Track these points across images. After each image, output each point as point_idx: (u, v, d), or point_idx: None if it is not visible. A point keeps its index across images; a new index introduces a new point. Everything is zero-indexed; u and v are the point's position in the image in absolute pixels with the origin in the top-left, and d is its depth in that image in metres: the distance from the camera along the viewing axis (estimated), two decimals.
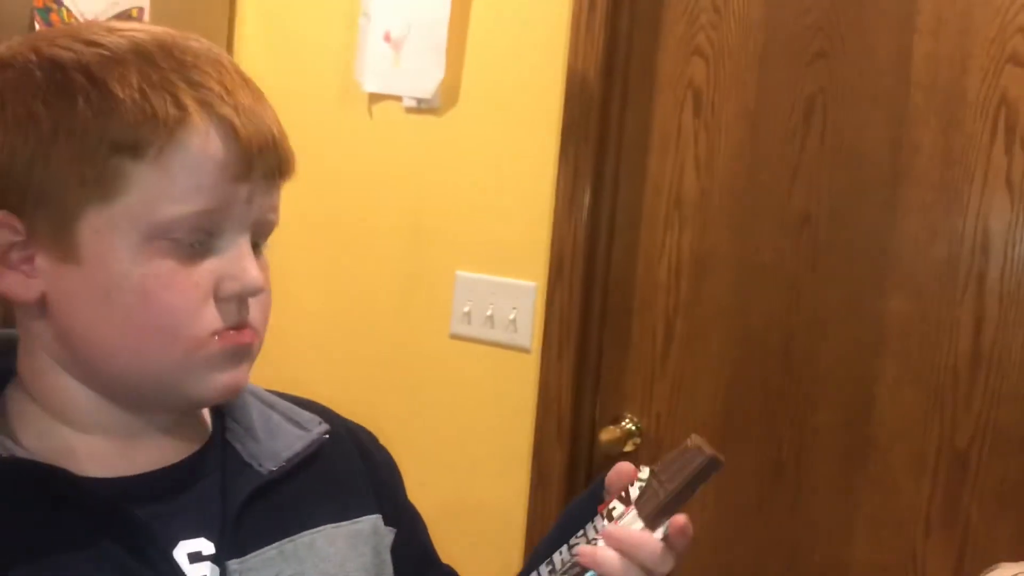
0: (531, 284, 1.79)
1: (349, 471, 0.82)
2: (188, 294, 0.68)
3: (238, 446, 0.77)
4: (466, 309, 1.86)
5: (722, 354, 1.67)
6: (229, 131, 0.67)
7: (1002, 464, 1.46)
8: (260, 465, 0.76)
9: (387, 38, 1.88)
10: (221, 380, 0.70)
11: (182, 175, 0.66)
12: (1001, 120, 1.44)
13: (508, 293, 1.82)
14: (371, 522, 0.81)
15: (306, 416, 0.82)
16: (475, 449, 1.85)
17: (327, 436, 0.80)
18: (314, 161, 1.69)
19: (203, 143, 0.66)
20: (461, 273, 1.87)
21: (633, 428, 1.75)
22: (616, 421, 1.75)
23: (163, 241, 0.67)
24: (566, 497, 1.76)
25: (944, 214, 1.49)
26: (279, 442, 0.78)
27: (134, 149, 0.65)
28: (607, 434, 1.72)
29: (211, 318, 0.68)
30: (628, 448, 1.74)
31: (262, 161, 0.69)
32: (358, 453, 0.85)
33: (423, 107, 1.88)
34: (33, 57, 0.67)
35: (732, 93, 1.65)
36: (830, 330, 1.58)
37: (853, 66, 1.55)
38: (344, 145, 1.94)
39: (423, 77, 1.85)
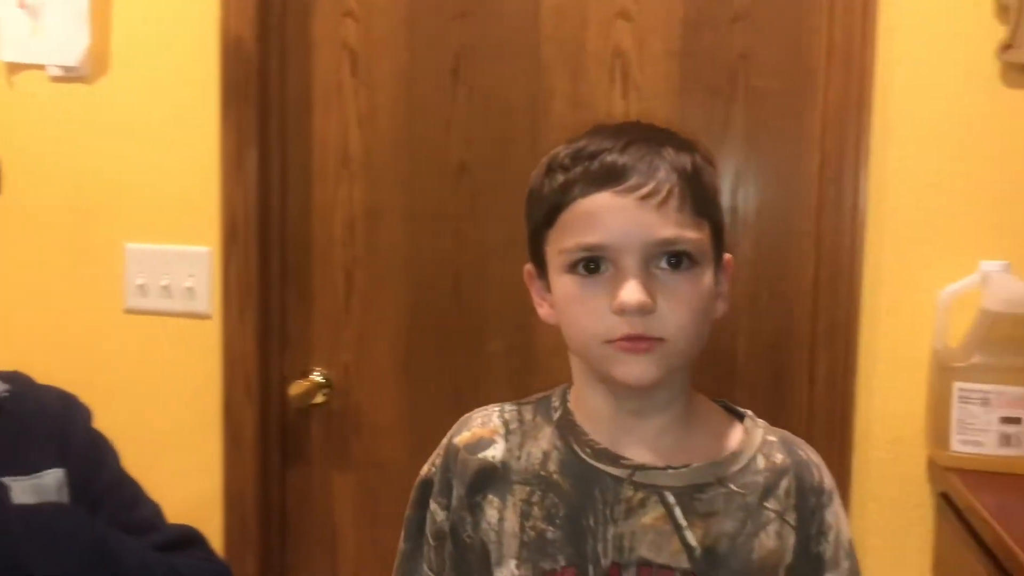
0: (205, 250, 1.79)
1: (32, 427, 0.83)
2: None
3: None
4: (139, 282, 1.83)
5: (400, 300, 1.77)
6: None
7: None
8: None
9: (21, 4, 1.78)
10: None
11: None
12: (617, 69, 1.64)
13: (182, 261, 1.80)
14: (54, 476, 0.82)
15: None
16: (164, 421, 1.83)
17: (7, 395, 0.80)
18: None
19: None
20: (131, 245, 1.83)
21: (322, 380, 1.81)
22: (305, 375, 1.81)
23: None
24: (261, 454, 1.80)
25: None
26: None
27: None
28: (296, 388, 1.77)
29: None
30: (319, 400, 1.81)
31: None
32: (52, 413, 0.85)
33: (71, 75, 1.81)
34: None
35: (385, 51, 1.74)
36: (492, 267, 1.72)
37: (491, 24, 1.69)
38: None
39: (67, 44, 1.78)
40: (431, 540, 0.93)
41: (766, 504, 0.86)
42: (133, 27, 1.79)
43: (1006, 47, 1.46)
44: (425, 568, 0.94)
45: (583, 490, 0.85)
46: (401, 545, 0.98)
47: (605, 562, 0.82)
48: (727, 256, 0.91)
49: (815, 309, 1.56)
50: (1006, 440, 1.38)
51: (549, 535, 0.84)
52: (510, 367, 1.73)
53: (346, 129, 1.76)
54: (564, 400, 0.92)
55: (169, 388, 1.83)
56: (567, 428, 0.89)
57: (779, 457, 0.89)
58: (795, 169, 1.59)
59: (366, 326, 1.79)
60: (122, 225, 1.83)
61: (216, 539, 1.80)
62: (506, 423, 0.92)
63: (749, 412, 0.94)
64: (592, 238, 0.81)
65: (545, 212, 0.85)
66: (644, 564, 0.82)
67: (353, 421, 1.81)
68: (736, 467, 0.86)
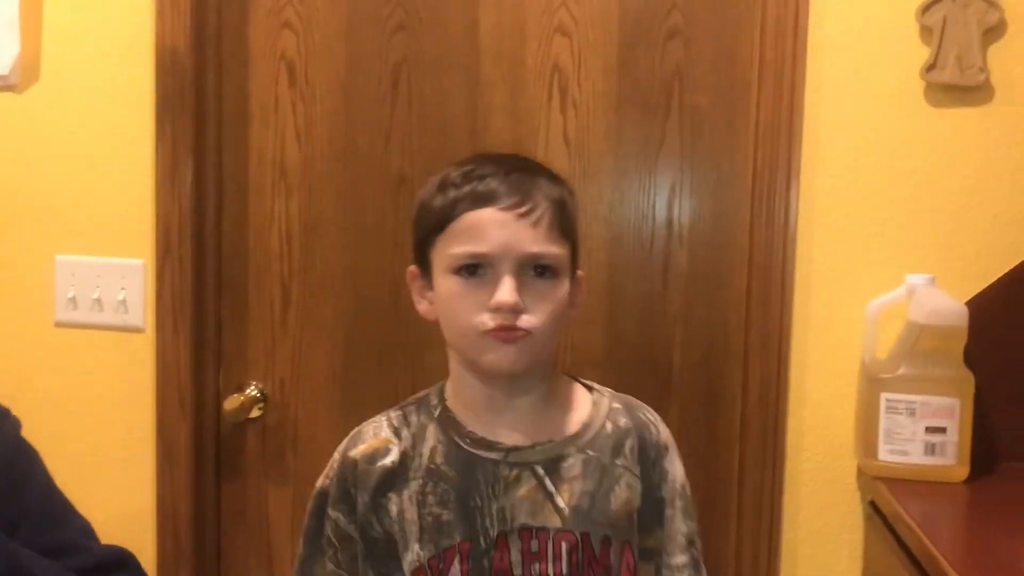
0: (138, 262, 1.76)
1: None
2: None
3: None
4: (70, 295, 1.79)
5: (337, 313, 1.76)
6: None
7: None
8: None
9: None
10: None
11: None
12: (555, 83, 1.66)
13: (115, 273, 1.78)
14: None
15: None
16: (96, 437, 1.80)
17: None
18: None
19: None
20: (61, 258, 1.79)
21: (258, 394, 1.79)
22: (241, 389, 1.79)
23: None
24: (195, 469, 1.77)
25: None
26: None
27: None
28: (231, 403, 1.75)
29: None
30: (254, 414, 1.79)
31: None
32: None
33: (0, 84, 1.77)
34: None
35: (324, 63, 1.73)
36: None
37: (431, 37, 1.70)
38: None
39: None
40: (336, 542, 1.05)
41: (616, 462, 1.04)
42: (64, 36, 1.77)
43: (930, 67, 1.51)
44: (331, 566, 1.05)
45: (468, 475, 1.01)
46: (300, 551, 1.08)
47: (493, 532, 0.99)
48: (580, 273, 1.08)
49: (747, 321, 1.59)
50: (931, 449, 1.42)
51: (444, 517, 1.00)
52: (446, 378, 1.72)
53: (284, 141, 1.75)
54: (441, 397, 1.08)
55: (101, 403, 1.80)
56: (448, 423, 1.04)
57: (623, 421, 1.06)
58: (728, 184, 1.63)
59: (303, 339, 1.78)
60: (52, 237, 1.80)
61: (149, 557, 1.77)
62: (396, 430, 1.05)
63: (595, 385, 1.11)
64: (477, 247, 0.97)
65: (435, 221, 1.00)
66: (524, 529, 0.99)
67: (290, 435, 1.80)
68: (589, 435, 1.04)
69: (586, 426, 1.05)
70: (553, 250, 0.99)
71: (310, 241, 1.76)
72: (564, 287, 1.00)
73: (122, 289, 1.77)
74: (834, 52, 1.54)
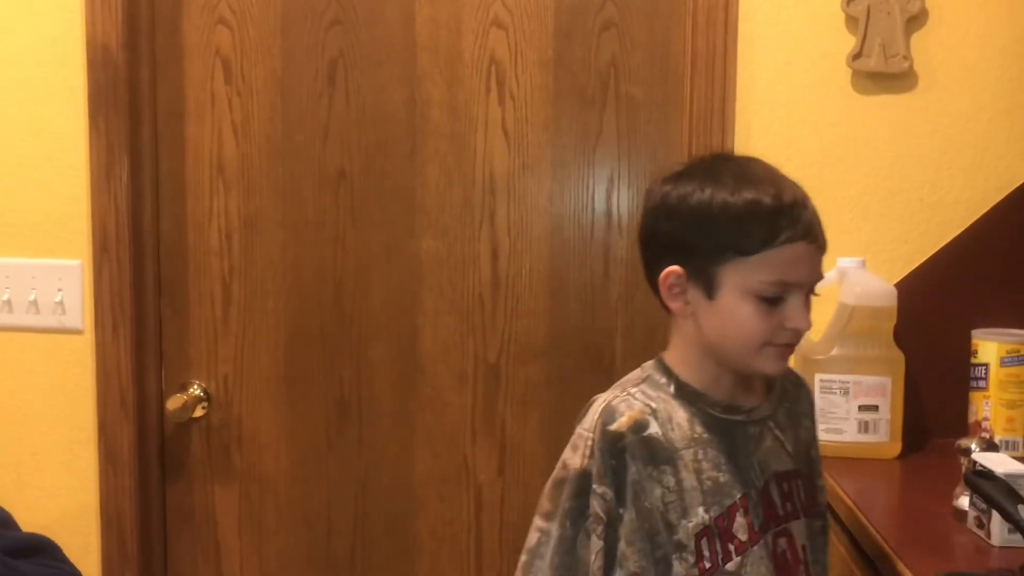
0: (75, 263, 1.74)
1: None
2: None
3: None
4: (5, 297, 1.76)
5: (279, 310, 1.76)
6: None
7: (524, 370, 1.71)
8: None
9: None
10: None
11: None
12: (493, 76, 1.67)
13: (51, 275, 1.75)
14: None
15: None
16: (36, 440, 1.77)
17: None
18: None
19: None
20: None
21: (201, 393, 1.78)
22: (183, 389, 1.78)
23: None
24: (139, 470, 1.76)
25: (457, 161, 1.70)
26: None
27: None
28: (174, 402, 1.74)
29: None
30: (198, 413, 1.78)
31: None
32: None
33: None
34: None
35: (259, 59, 1.72)
36: (374, 274, 1.73)
37: (367, 32, 1.70)
38: None
39: None
40: (604, 517, 1.06)
41: (798, 409, 1.18)
42: None
43: (856, 56, 1.55)
44: (596, 541, 1.06)
45: (728, 438, 1.09)
46: (557, 531, 1.07)
47: (759, 483, 1.10)
48: None
49: None
50: (865, 427, 1.46)
51: (722, 479, 1.08)
52: (394, 373, 1.73)
53: (220, 138, 1.74)
54: (669, 376, 1.12)
55: (40, 406, 1.77)
56: (691, 397, 1.10)
57: (792, 378, 1.21)
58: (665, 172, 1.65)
59: (245, 337, 1.77)
60: None
61: (94, 558, 1.75)
62: (646, 403, 1.09)
63: None
64: (790, 278, 1.05)
65: (746, 243, 1.04)
66: (776, 475, 1.11)
67: (234, 434, 1.79)
68: (780, 392, 1.17)
69: (776, 385, 1.17)
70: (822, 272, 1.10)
71: (250, 238, 1.75)
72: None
73: (59, 290, 1.75)
74: (763, 42, 1.58)
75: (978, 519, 1.18)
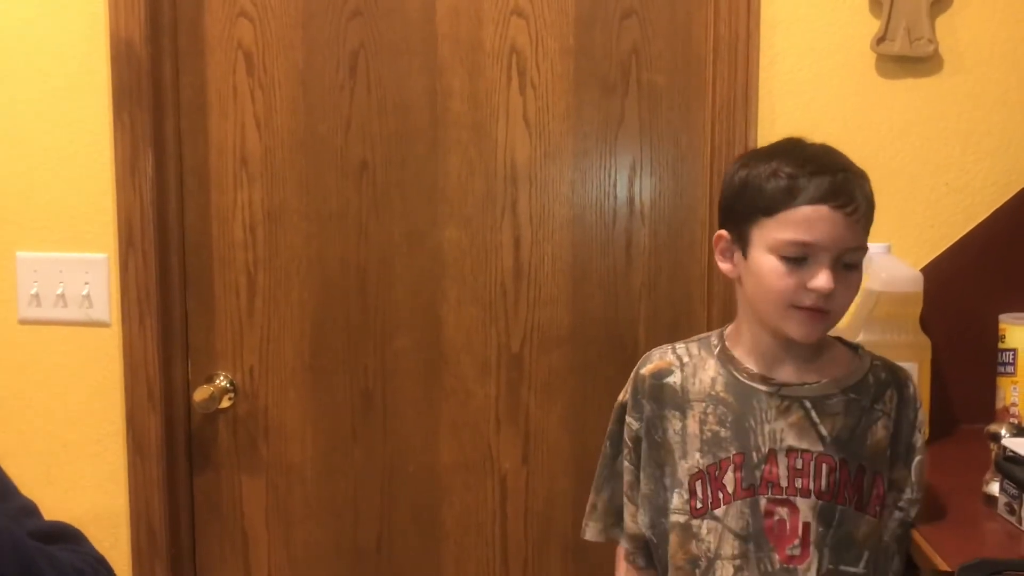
0: (101, 256, 1.76)
1: None
2: None
3: None
4: (33, 291, 1.78)
5: (304, 301, 1.77)
6: None
7: (547, 359, 1.71)
8: None
9: None
10: None
11: None
12: (514, 65, 1.67)
13: (77, 268, 1.77)
14: None
15: None
16: (65, 433, 1.79)
17: None
18: None
19: None
20: (22, 254, 1.78)
21: (227, 384, 1.80)
22: (210, 380, 1.79)
23: None
24: (167, 461, 1.77)
25: (478, 151, 1.70)
26: None
27: None
28: (201, 394, 1.75)
29: None
30: (224, 404, 1.79)
31: None
32: None
33: None
34: None
35: (281, 52, 1.73)
36: (398, 264, 1.73)
37: (387, 22, 1.70)
38: None
39: None
40: (629, 443, 1.27)
41: (876, 406, 1.20)
42: (17, 30, 1.74)
43: (880, 39, 1.54)
44: (627, 463, 1.27)
45: (744, 402, 1.19)
46: (607, 450, 1.31)
47: (764, 449, 1.17)
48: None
49: (709, 295, 1.62)
50: None
51: (722, 434, 1.19)
52: (419, 361, 1.74)
53: (243, 131, 1.75)
54: (721, 339, 1.25)
55: (69, 399, 1.79)
56: (726, 359, 1.22)
57: (883, 375, 1.23)
58: (687, 160, 1.65)
59: (270, 328, 1.78)
60: (12, 233, 1.78)
61: (123, 551, 1.77)
62: (679, 357, 1.25)
63: (859, 344, 1.27)
64: (807, 238, 1.10)
65: (767, 204, 1.12)
66: (792, 450, 1.17)
67: (260, 424, 1.80)
68: (852, 382, 1.20)
69: (850, 374, 1.20)
70: (862, 247, 1.14)
71: (274, 230, 1.76)
72: (860, 276, 1.16)
73: (86, 284, 1.77)
74: (786, 27, 1.56)
75: (1009, 505, 1.17)
